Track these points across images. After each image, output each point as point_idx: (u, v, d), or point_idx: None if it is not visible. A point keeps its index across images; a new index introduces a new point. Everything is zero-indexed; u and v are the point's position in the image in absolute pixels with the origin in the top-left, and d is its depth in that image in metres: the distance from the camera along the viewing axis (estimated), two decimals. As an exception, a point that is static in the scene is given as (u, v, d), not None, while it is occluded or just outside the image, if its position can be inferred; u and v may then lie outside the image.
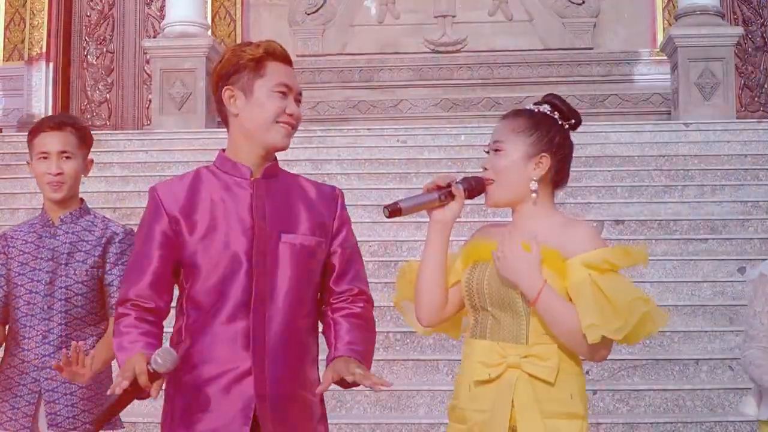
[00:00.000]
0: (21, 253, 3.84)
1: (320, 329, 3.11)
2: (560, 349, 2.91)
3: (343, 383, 2.85)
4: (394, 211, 2.97)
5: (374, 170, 10.52)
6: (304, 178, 3.16)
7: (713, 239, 8.80)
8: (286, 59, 3.06)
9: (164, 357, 2.66)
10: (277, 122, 2.99)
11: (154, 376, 2.66)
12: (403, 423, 6.37)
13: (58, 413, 3.70)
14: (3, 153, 11.86)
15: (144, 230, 3.02)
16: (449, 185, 3.03)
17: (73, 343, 3.43)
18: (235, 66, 3.02)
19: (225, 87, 3.03)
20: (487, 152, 3.08)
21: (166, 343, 2.87)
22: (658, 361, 6.95)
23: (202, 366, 2.90)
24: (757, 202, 9.53)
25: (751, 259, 8.37)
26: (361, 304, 3.07)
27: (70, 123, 3.89)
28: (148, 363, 2.66)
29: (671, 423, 6.31)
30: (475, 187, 3.05)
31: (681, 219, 9.19)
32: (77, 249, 3.80)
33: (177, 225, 2.97)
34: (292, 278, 2.95)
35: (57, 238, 3.83)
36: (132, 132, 13.83)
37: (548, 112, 3.09)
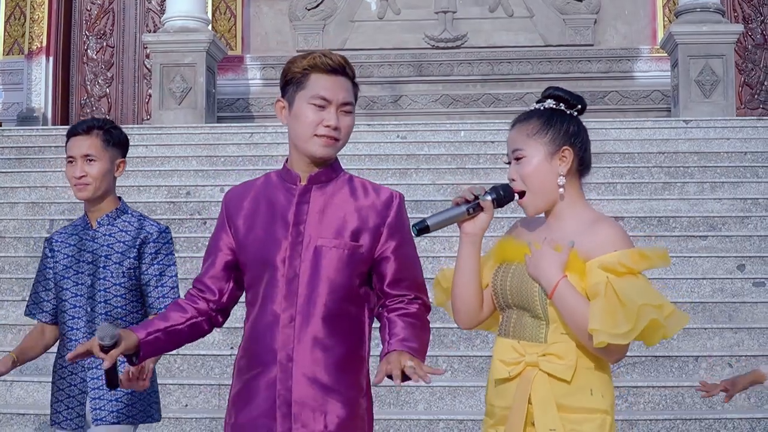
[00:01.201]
0: (65, 256, 4.00)
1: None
2: (579, 347, 2.92)
3: (402, 377, 2.88)
4: (422, 229, 2.98)
5: (374, 166, 10.53)
6: (363, 182, 3.17)
7: (713, 236, 8.81)
8: (332, 70, 3.08)
9: (100, 332, 2.89)
10: (315, 135, 3.04)
11: (108, 348, 2.91)
12: (402, 419, 6.37)
13: (103, 408, 3.87)
14: (2, 147, 11.85)
15: (215, 228, 3.24)
16: (476, 197, 3.02)
17: (127, 366, 3.64)
18: (286, 78, 3.13)
19: (278, 98, 3.15)
20: (507, 163, 3.08)
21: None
22: (658, 358, 6.95)
23: (247, 359, 3.09)
24: (757, 199, 9.53)
25: (750, 257, 8.38)
26: (417, 307, 3.11)
27: (98, 126, 4.03)
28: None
29: (670, 420, 6.31)
30: (504, 197, 3.03)
31: (680, 216, 9.20)
32: (114, 251, 3.94)
33: (233, 227, 3.16)
34: (325, 283, 3.02)
35: (96, 241, 3.97)
36: (132, 126, 13.79)
37: (554, 106, 3.08)
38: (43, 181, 10.63)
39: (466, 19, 15.48)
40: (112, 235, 3.96)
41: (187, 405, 6.66)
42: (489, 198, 3.02)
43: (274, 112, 3.17)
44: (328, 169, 3.12)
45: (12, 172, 10.98)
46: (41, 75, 15.68)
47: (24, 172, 10.96)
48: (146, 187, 10.35)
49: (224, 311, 3.23)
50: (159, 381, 6.70)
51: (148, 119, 15.19)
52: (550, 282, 2.89)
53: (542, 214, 3.11)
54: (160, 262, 3.95)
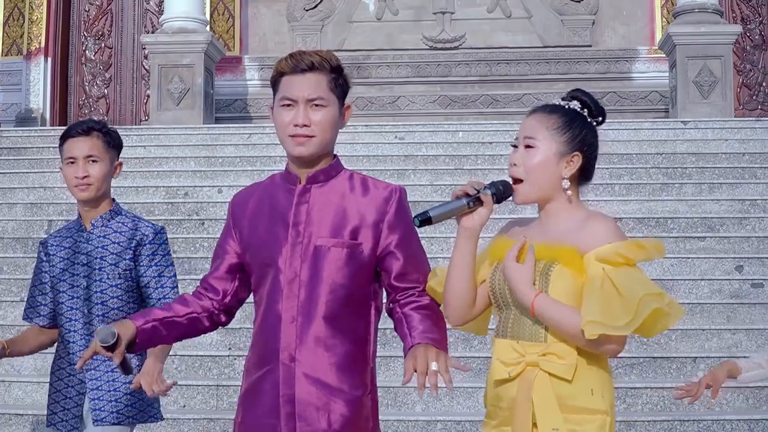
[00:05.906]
0: (60, 259, 4.03)
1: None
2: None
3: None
4: (424, 220, 2.96)
5: (372, 167, 10.51)
6: (364, 179, 3.22)
7: (711, 237, 8.80)
8: (294, 69, 3.12)
9: (99, 335, 2.99)
10: (288, 136, 3.11)
11: (112, 346, 3.00)
12: (400, 420, 6.37)
13: (102, 409, 3.89)
14: (1, 148, 11.84)
15: (222, 230, 3.32)
16: (477, 192, 3.00)
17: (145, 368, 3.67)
18: (272, 85, 3.23)
19: (270, 104, 3.24)
20: (514, 146, 3.06)
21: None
22: (656, 359, 6.95)
23: (254, 359, 3.16)
24: (755, 200, 9.53)
25: (748, 258, 8.38)
26: (428, 299, 3.15)
27: (98, 128, 4.06)
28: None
29: (668, 421, 6.31)
30: (503, 192, 3.03)
31: (678, 217, 9.20)
32: (108, 252, 3.97)
33: (238, 231, 3.22)
34: (325, 282, 3.06)
35: (90, 242, 3.99)
36: (130, 127, 13.79)
37: (579, 109, 3.08)
38: (42, 181, 10.62)
39: (464, 20, 15.48)
40: (107, 236, 3.98)
41: (185, 405, 6.66)
42: (489, 192, 3.00)
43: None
44: (326, 168, 3.17)
45: (10, 172, 10.98)
46: (40, 76, 15.66)
47: (22, 172, 10.96)
48: (144, 187, 10.34)
49: (228, 311, 3.29)
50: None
51: (146, 120, 15.18)
52: (525, 303, 2.91)
53: (536, 214, 3.12)
54: (158, 264, 3.98)
